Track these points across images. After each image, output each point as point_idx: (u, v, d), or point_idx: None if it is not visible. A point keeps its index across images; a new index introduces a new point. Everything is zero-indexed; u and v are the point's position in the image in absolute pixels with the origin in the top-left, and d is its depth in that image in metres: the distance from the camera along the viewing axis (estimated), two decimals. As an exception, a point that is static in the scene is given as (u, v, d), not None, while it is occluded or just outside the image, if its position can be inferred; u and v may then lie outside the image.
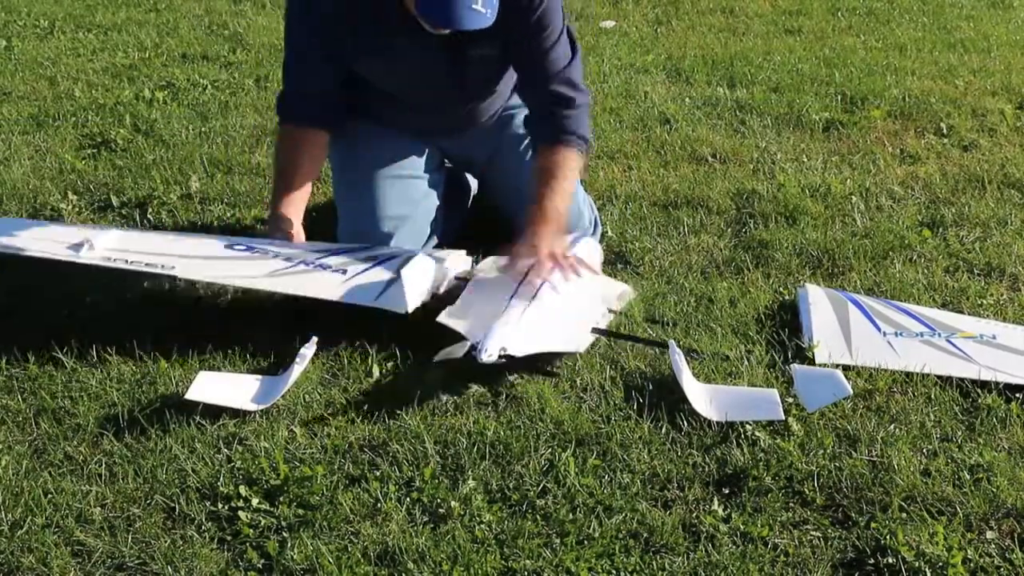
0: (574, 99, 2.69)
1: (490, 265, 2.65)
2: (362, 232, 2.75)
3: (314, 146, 2.77)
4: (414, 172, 2.86)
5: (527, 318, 2.39)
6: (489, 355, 2.25)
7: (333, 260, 2.59)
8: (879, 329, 2.50)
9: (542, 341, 2.36)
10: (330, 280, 2.51)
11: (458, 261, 2.66)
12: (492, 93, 2.84)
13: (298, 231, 2.69)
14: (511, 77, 2.83)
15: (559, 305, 2.48)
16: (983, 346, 2.44)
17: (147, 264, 2.48)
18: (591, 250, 2.80)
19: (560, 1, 2.65)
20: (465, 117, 2.87)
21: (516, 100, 2.93)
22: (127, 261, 2.48)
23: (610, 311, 2.59)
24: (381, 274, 2.53)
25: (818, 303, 2.59)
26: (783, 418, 2.18)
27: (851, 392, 2.19)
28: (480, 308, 2.44)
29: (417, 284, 2.48)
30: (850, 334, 2.48)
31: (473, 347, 2.29)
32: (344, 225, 2.82)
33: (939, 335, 2.47)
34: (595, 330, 2.49)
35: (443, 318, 2.43)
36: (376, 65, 2.70)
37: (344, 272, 2.54)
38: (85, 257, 2.49)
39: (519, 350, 2.30)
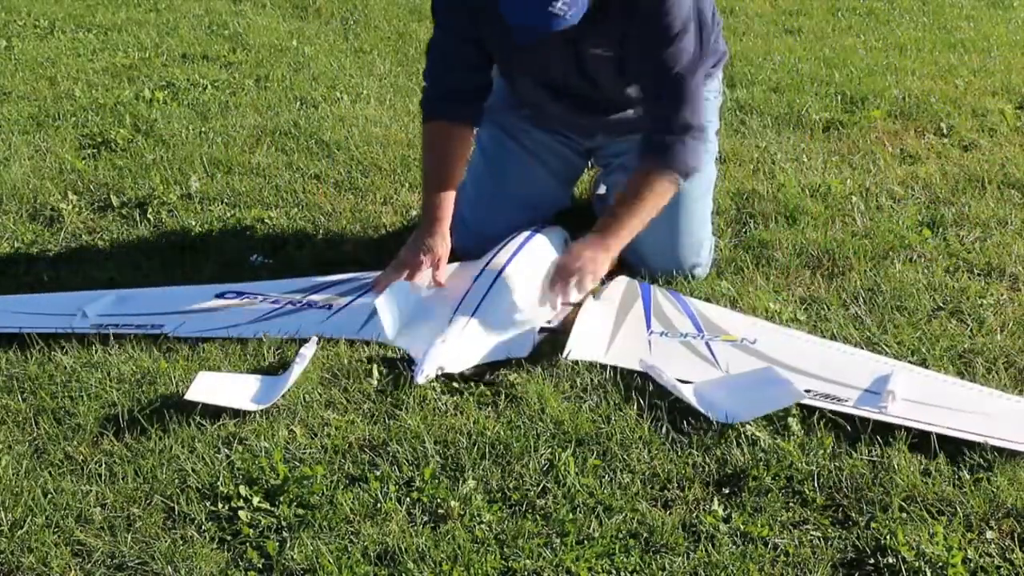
0: (690, 128, 2.58)
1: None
2: (475, 233, 2.81)
3: (463, 144, 2.74)
4: (541, 194, 2.88)
5: (468, 331, 2.44)
6: (426, 376, 2.31)
7: (320, 296, 2.65)
8: (648, 327, 2.51)
9: (483, 353, 2.42)
10: (314, 318, 2.57)
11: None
12: (625, 95, 2.76)
13: (444, 254, 2.66)
14: None
15: (506, 309, 2.52)
16: (736, 350, 2.41)
17: (137, 326, 2.53)
18: (555, 239, 2.81)
19: (693, 25, 2.53)
20: (603, 117, 2.82)
21: None
22: (117, 326, 2.53)
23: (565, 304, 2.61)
24: (363, 306, 2.58)
25: (611, 295, 2.61)
26: (804, 398, 2.18)
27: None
28: (424, 322, 2.51)
29: (394, 311, 2.51)
30: (619, 331, 2.49)
31: (412, 367, 2.35)
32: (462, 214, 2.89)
33: (702, 337, 2.46)
34: (543, 330, 2.52)
35: (379, 305, 2.48)
36: (503, 54, 2.67)
37: (329, 307, 2.61)
38: (78, 327, 2.52)
39: (457, 367, 2.36)
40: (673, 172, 2.61)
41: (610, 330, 2.50)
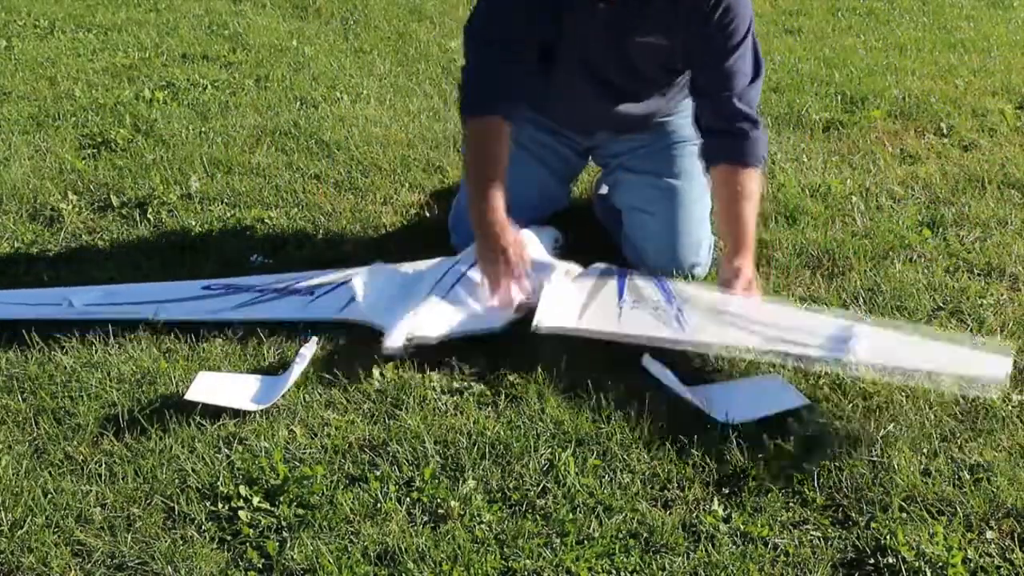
0: (758, 122, 2.60)
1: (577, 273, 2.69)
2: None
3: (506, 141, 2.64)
4: (540, 194, 2.87)
5: (441, 306, 2.47)
6: (393, 344, 2.36)
7: (304, 284, 2.68)
8: (621, 298, 2.54)
9: (455, 323, 2.46)
10: (296, 303, 2.60)
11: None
12: (651, 92, 2.77)
13: (517, 240, 2.57)
14: (676, 85, 2.77)
15: (481, 290, 2.55)
16: (706, 312, 2.46)
17: (121, 312, 2.56)
18: (545, 238, 2.82)
19: (750, 11, 2.55)
20: (616, 113, 2.80)
21: (675, 108, 2.85)
22: (102, 314, 2.55)
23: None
24: (346, 290, 2.60)
25: (586, 275, 2.65)
26: (808, 402, 2.19)
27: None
28: (401, 302, 2.52)
29: (370, 289, 2.56)
30: (591, 302, 2.52)
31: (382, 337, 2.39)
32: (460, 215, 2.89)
33: (673, 304, 2.50)
34: (520, 307, 2.54)
35: (355, 285, 2.55)
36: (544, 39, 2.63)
37: (311, 293, 2.64)
38: (64, 314, 2.56)
39: (426, 334, 2.40)
40: (757, 167, 2.61)
41: (583, 300, 2.53)
